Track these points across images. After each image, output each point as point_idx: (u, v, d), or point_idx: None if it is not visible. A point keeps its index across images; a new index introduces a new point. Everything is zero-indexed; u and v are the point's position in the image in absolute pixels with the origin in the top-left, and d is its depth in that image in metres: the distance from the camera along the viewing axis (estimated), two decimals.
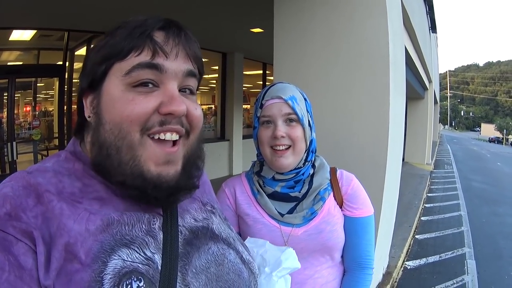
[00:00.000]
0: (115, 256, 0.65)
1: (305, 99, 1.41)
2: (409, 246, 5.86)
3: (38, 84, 7.43)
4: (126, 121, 0.71)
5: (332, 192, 1.42)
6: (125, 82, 0.72)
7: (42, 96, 7.64)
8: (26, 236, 0.62)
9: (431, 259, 5.42)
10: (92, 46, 0.83)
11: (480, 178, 15.02)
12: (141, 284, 0.65)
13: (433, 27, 13.68)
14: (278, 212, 1.38)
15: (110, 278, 0.63)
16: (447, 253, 5.71)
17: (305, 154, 1.39)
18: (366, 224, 1.42)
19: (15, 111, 6.73)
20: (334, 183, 1.44)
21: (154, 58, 0.73)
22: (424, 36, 9.52)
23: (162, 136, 0.74)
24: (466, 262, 5.39)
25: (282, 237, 1.36)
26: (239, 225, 1.47)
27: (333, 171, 1.47)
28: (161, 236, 0.75)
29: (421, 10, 8.91)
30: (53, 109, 7.49)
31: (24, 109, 7.26)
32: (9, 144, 6.44)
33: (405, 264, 5.15)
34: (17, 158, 6.53)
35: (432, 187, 11.46)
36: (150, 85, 0.74)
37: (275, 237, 1.36)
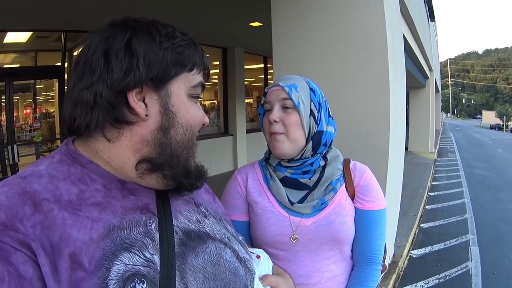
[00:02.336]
0: (117, 261, 0.66)
1: (312, 89, 1.39)
2: (415, 235, 5.87)
3: (37, 86, 7.44)
4: (197, 125, 0.86)
5: (344, 183, 1.40)
6: (189, 92, 0.83)
7: (42, 97, 7.65)
8: (24, 246, 0.61)
9: (436, 247, 5.44)
10: (140, 36, 0.76)
11: (482, 165, 15.01)
12: (144, 286, 0.67)
13: (431, 16, 13.61)
14: (289, 200, 1.36)
15: (114, 283, 0.64)
16: (451, 240, 5.73)
17: (309, 145, 1.35)
18: (378, 217, 1.39)
19: (15, 114, 6.72)
20: (346, 174, 1.42)
21: (205, 80, 0.88)
22: (422, 25, 9.49)
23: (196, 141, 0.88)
24: (470, 248, 5.42)
25: (291, 227, 1.35)
26: (249, 213, 1.46)
27: (346, 162, 1.45)
28: (158, 236, 0.76)
29: None
30: (54, 111, 7.49)
31: (24, 111, 7.27)
32: (9, 147, 6.45)
33: (411, 253, 5.17)
34: (19, 161, 6.53)
35: (436, 175, 11.48)
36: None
37: (283, 227, 1.35)
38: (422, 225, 6.43)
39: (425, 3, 11.35)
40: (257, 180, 1.47)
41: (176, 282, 0.72)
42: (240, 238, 1.00)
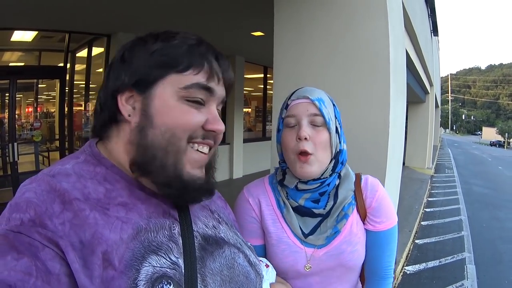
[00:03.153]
0: (146, 263, 0.69)
1: (334, 105, 1.33)
2: (409, 251, 5.86)
3: (39, 85, 7.46)
4: (180, 128, 0.79)
5: (355, 205, 1.33)
6: (180, 94, 0.80)
7: (43, 97, 7.68)
8: (52, 243, 0.63)
9: (431, 264, 5.41)
10: (133, 43, 0.85)
11: (481, 183, 15.01)
12: (171, 287, 0.69)
13: (435, 30, 13.68)
14: (302, 231, 1.30)
15: (144, 284, 0.66)
16: (447, 258, 5.70)
17: (331, 165, 1.29)
18: (389, 235, 1.33)
19: (17, 112, 6.75)
20: (358, 194, 1.34)
21: (209, 81, 0.83)
22: (425, 40, 9.53)
23: (200, 148, 0.84)
24: (466, 267, 5.38)
25: (305, 258, 1.29)
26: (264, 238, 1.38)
27: (357, 180, 1.37)
28: (181, 241, 0.79)
29: (423, 13, 8.92)
30: (54, 111, 7.51)
31: (26, 110, 7.30)
32: (10, 145, 6.46)
33: (405, 269, 5.15)
34: (18, 159, 6.54)
35: (432, 191, 11.46)
36: (200, 103, 0.82)
37: (298, 258, 1.29)
38: (417, 241, 6.41)
39: (429, 17, 11.41)
40: (270, 205, 1.37)
41: (198, 284, 0.75)
42: (249, 244, 1.03)
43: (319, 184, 1.29)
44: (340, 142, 1.31)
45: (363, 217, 1.33)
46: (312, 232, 1.30)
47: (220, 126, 0.85)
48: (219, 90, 0.86)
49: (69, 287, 0.61)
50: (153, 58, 0.79)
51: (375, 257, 1.34)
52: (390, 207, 1.36)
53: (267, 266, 1.11)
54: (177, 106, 0.79)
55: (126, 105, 0.81)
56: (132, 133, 0.80)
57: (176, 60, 0.79)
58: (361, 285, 1.43)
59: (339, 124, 1.32)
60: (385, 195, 1.37)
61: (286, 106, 1.32)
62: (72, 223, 0.66)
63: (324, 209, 1.30)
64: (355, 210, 1.33)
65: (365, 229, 1.34)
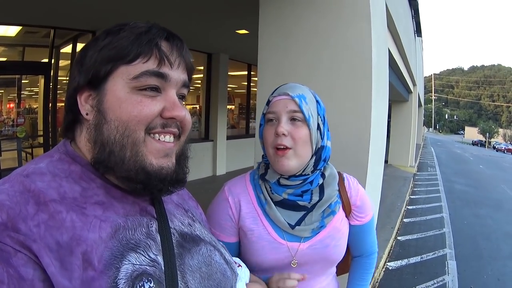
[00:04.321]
0: (125, 261, 0.68)
1: (317, 101, 1.34)
2: (391, 247, 5.94)
3: (22, 81, 7.35)
4: (134, 120, 0.76)
5: (341, 204, 1.38)
6: (132, 85, 0.77)
7: (26, 93, 7.56)
8: (25, 247, 0.60)
9: (413, 260, 5.51)
10: (88, 43, 0.83)
11: (462, 181, 15.24)
12: (152, 284, 0.69)
13: (418, 31, 13.81)
14: (288, 224, 1.30)
15: (124, 282, 0.65)
16: (428, 254, 5.81)
17: (312, 160, 1.30)
18: (371, 224, 1.47)
19: None
20: (342, 193, 1.39)
21: (161, 67, 0.79)
22: (409, 40, 9.62)
23: (162, 138, 0.80)
24: (447, 262, 5.49)
25: (289, 253, 1.30)
26: (240, 237, 1.38)
27: (340, 180, 1.41)
28: (159, 238, 0.79)
29: (406, 14, 9.01)
30: (37, 107, 7.42)
31: (8, 106, 7.18)
32: None
33: (387, 264, 5.23)
34: (1, 156, 6.45)
35: (415, 189, 11.62)
36: (155, 90, 0.79)
37: (279, 253, 1.30)
38: (399, 237, 6.51)
39: (412, 18, 11.52)
40: (250, 203, 1.36)
41: (179, 281, 0.75)
42: (221, 243, 1.02)
43: (301, 181, 1.30)
44: (322, 139, 1.32)
45: (348, 214, 1.39)
46: (298, 224, 1.31)
47: (179, 112, 0.81)
48: (175, 74, 0.81)
49: None
50: (101, 54, 0.78)
51: (362, 242, 1.48)
52: (368, 201, 1.45)
53: (239, 266, 1.11)
54: (129, 98, 0.76)
55: (85, 104, 0.80)
56: (89, 130, 0.79)
57: (123, 52, 0.77)
58: (335, 269, 1.52)
59: (321, 120, 1.32)
60: (364, 192, 1.45)
61: (268, 102, 1.35)
62: (48, 224, 0.64)
63: (309, 202, 1.31)
64: (340, 207, 1.37)
65: (351, 224, 1.41)
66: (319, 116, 1.32)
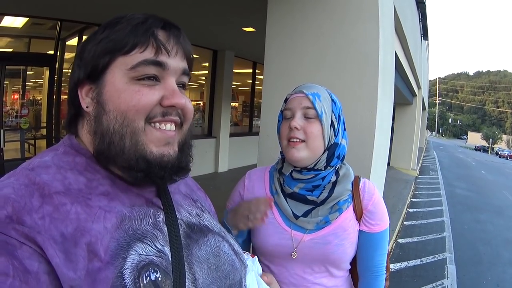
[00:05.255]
0: (132, 251, 0.69)
1: (333, 100, 1.40)
2: (391, 249, 5.94)
3: (27, 73, 7.36)
4: (133, 110, 0.76)
5: (352, 204, 1.40)
6: (130, 76, 0.77)
7: (31, 84, 7.57)
8: (29, 240, 0.60)
9: (412, 262, 5.52)
10: (87, 37, 0.84)
11: (464, 185, 15.23)
12: (158, 275, 0.69)
13: (425, 34, 13.76)
14: (293, 213, 1.37)
15: (130, 272, 0.66)
16: (428, 257, 5.81)
17: (324, 156, 1.35)
18: (382, 236, 1.41)
19: (4, 99, 6.65)
20: (355, 195, 1.41)
21: (158, 56, 0.79)
22: (415, 43, 9.59)
23: (163, 127, 0.80)
24: (447, 266, 5.50)
25: (291, 241, 1.36)
26: None
27: (356, 181, 1.44)
28: (166, 229, 0.80)
29: (413, 17, 8.97)
30: (41, 98, 7.42)
31: (12, 96, 7.18)
32: None
33: None
34: (4, 146, 6.45)
35: (416, 192, 11.61)
36: (154, 79, 0.79)
37: (282, 239, 1.37)
38: (399, 240, 6.51)
39: (419, 21, 11.49)
40: (263, 190, 1.48)
41: (186, 272, 0.75)
42: (231, 234, 1.03)
43: (312, 175, 1.35)
44: (336, 136, 1.37)
45: (359, 217, 1.40)
46: (304, 216, 1.37)
47: (179, 100, 0.80)
48: (173, 62, 0.81)
49: (49, 285, 0.60)
50: (99, 47, 0.79)
51: (369, 256, 1.41)
52: (384, 211, 1.43)
53: (253, 256, 1.10)
54: (127, 88, 0.77)
55: (86, 98, 0.81)
56: (90, 123, 0.80)
57: (120, 43, 0.77)
58: (353, 284, 1.50)
59: (336, 118, 1.38)
60: (381, 200, 1.45)
61: (285, 100, 1.43)
62: (52, 217, 0.64)
63: (318, 197, 1.36)
64: (350, 208, 1.39)
65: (360, 230, 1.40)
66: (333, 114, 1.37)
